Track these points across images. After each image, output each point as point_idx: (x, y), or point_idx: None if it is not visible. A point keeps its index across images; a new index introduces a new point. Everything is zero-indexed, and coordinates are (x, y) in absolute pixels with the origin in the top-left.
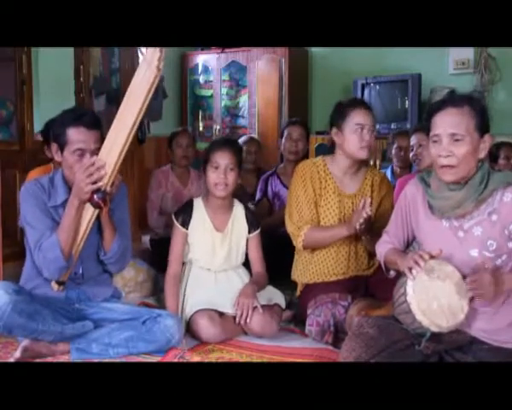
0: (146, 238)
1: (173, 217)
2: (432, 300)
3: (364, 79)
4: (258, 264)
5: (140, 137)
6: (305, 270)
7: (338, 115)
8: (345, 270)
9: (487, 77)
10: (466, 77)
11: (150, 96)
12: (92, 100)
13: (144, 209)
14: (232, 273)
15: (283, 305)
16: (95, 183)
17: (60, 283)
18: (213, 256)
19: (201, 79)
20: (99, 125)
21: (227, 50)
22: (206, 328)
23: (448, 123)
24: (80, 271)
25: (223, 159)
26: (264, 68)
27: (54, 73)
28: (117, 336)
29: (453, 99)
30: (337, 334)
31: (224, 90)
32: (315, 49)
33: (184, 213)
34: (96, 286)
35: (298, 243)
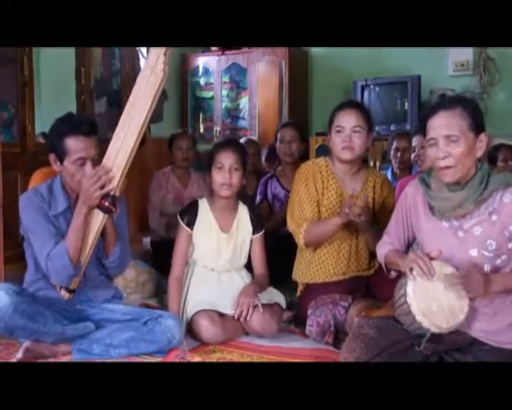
0: (147, 240)
1: (178, 217)
2: (432, 301)
3: (364, 81)
4: (260, 265)
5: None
6: (306, 270)
7: (328, 120)
8: (345, 270)
9: (486, 78)
10: (465, 78)
11: (156, 99)
12: (93, 102)
13: (145, 211)
14: (235, 274)
15: (284, 305)
16: (103, 188)
17: (70, 290)
18: (218, 257)
19: (202, 80)
20: (96, 130)
21: (227, 52)
22: (206, 329)
23: (442, 126)
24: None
25: (227, 159)
26: (264, 70)
27: (55, 74)
28: (118, 336)
29: (444, 102)
30: (337, 334)
31: (225, 92)
32: (315, 51)
33: (190, 213)
34: (96, 287)
35: (299, 240)
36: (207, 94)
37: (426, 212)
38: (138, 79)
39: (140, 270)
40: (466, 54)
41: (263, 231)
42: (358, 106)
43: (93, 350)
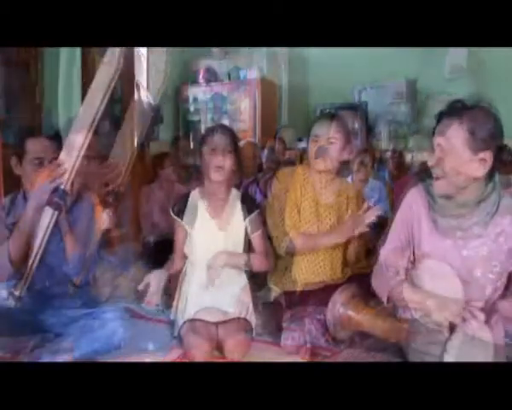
0: (148, 239)
1: (170, 211)
2: (431, 299)
3: (362, 85)
4: (259, 263)
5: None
6: (281, 276)
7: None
8: (320, 278)
9: (480, 82)
10: (461, 81)
11: (109, 92)
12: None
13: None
14: (232, 272)
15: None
16: (53, 182)
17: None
18: (213, 248)
19: (191, 107)
20: (59, 135)
21: (211, 84)
22: (197, 347)
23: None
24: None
25: (221, 140)
26: (264, 71)
27: (58, 76)
28: (119, 335)
29: (484, 102)
30: (315, 349)
31: (210, 116)
32: (314, 54)
33: (179, 204)
34: (98, 286)
35: (281, 248)
36: (195, 118)
37: (429, 225)
38: (95, 77)
39: (141, 270)
40: (462, 57)
41: (257, 211)
42: (336, 118)
43: (94, 349)
